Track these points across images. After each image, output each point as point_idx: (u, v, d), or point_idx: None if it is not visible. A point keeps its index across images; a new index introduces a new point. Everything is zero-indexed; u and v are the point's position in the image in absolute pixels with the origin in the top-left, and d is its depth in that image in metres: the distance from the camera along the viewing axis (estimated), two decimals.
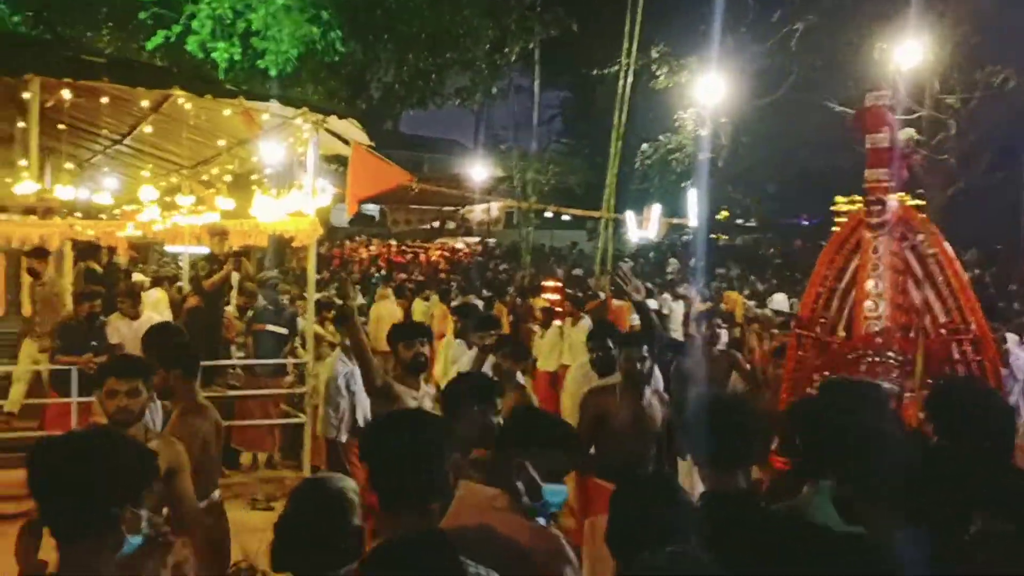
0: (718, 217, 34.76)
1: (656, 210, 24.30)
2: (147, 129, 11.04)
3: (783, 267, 29.78)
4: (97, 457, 2.33)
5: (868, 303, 5.28)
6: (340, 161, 13.64)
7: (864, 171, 5.54)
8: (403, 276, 25.71)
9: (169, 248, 23.47)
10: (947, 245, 5.36)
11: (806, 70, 23.15)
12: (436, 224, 42.10)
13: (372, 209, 41.35)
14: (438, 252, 35.18)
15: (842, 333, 5.59)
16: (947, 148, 21.03)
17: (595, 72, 25.13)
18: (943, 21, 19.39)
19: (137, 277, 17.06)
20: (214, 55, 13.26)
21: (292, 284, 15.92)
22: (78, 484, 2.29)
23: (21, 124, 10.17)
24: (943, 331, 5.19)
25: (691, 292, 21.68)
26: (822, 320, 5.68)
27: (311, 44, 14.31)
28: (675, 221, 25.55)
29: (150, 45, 13.31)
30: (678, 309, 19.69)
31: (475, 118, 39.89)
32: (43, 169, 12.52)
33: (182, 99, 9.18)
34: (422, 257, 34.57)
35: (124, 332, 8.79)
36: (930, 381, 4.83)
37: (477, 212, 37.77)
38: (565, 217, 34.55)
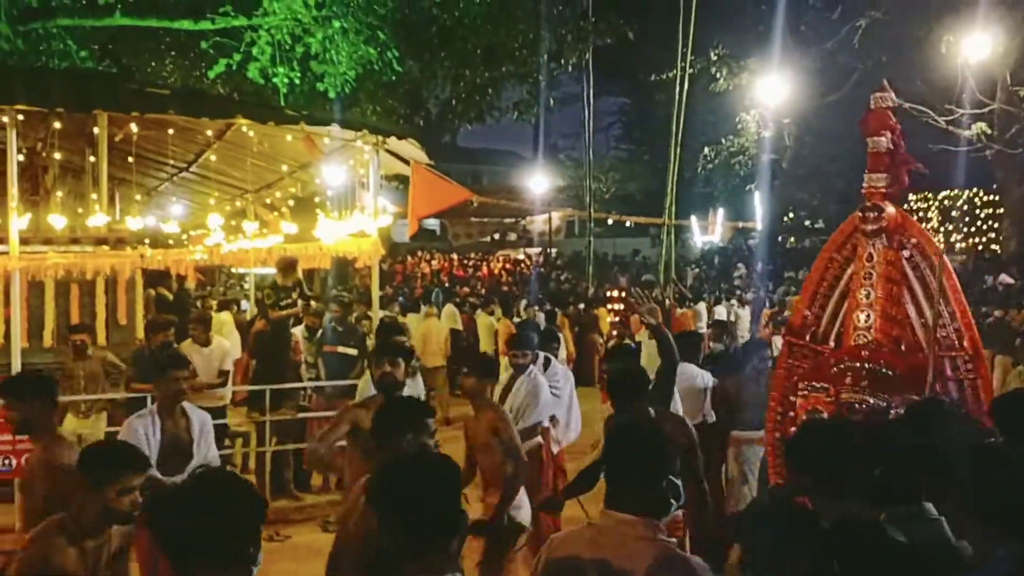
0: (784, 219, 34.17)
1: (720, 214, 24.01)
2: (212, 157, 11.22)
3: None
4: (223, 505, 2.31)
5: (859, 313, 5.04)
6: (400, 179, 13.73)
7: (907, 177, 5.37)
8: (465, 290, 25.78)
9: (237, 270, 23.99)
10: (945, 256, 5.08)
11: (871, 66, 22.61)
12: (497, 236, 42.16)
13: (433, 223, 41.61)
14: (500, 264, 35.22)
15: (831, 344, 5.35)
16: (1021, 142, 20.34)
17: (652, 77, 24.93)
18: (1013, 13, 18.76)
19: (204, 302, 17.40)
20: (274, 80, 13.47)
21: (356, 302, 16.05)
22: (209, 533, 2.27)
23: (92, 158, 10.40)
24: (937, 346, 4.84)
25: (758, 298, 21.34)
26: (813, 328, 5.45)
27: (368, 65, 14.45)
28: (740, 225, 25.20)
29: (212, 73, 13.58)
30: (745, 315, 19.37)
31: (532, 128, 39.90)
32: (113, 200, 12.85)
33: (245, 126, 9.31)
34: (484, 270, 34.64)
35: (196, 359, 8.88)
36: (915, 398, 4.48)
37: (538, 223, 37.71)
38: (627, 224, 34.30)
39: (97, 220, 9.32)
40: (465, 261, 37.03)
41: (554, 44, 20.75)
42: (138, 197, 14.56)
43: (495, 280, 31.18)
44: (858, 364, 4.76)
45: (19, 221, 8.48)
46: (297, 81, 13.77)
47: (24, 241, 8.73)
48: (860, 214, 5.08)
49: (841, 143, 26.32)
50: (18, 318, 8.56)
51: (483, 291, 25.64)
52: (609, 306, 17.71)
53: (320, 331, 9.99)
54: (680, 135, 21.48)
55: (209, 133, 10.22)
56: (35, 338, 9.36)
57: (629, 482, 2.80)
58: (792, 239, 36.72)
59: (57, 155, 10.94)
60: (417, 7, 16.72)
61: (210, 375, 8.55)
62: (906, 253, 5.10)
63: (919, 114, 18.39)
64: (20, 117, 8.45)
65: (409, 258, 36.15)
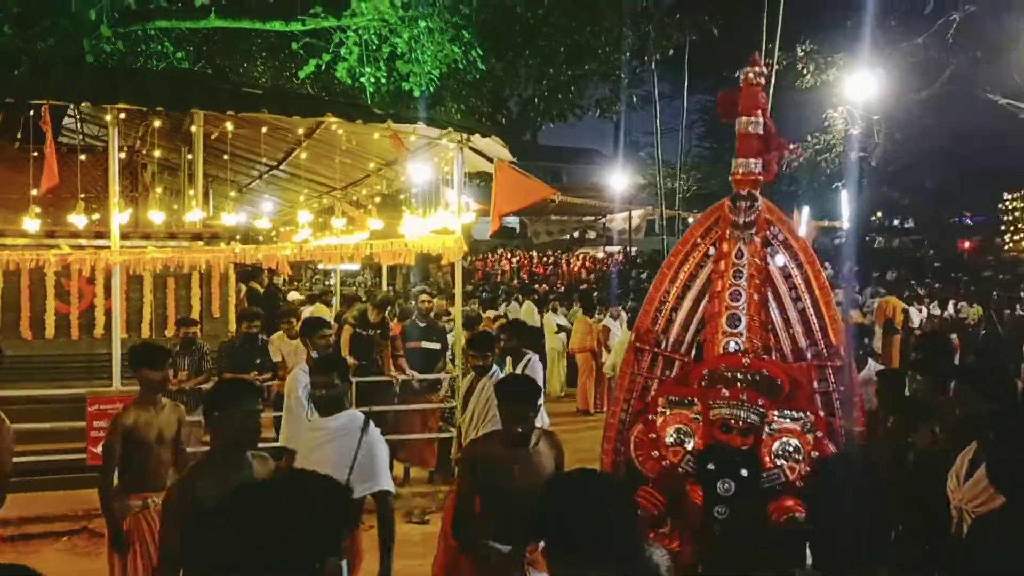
0: (872, 219, 33.30)
1: (805, 213, 23.42)
2: (302, 155, 11.50)
3: (945, 269, 28.21)
4: (299, 507, 2.16)
5: (726, 316, 4.33)
6: (482, 176, 13.85)
7: None
8: (544, 287, 25.82)
9: (322, 266, 24.52)
10: (815, 257, 4.47)
11: (964, 62, 21.89)
12: (576, 234, 42.09)
13: (513, 221, 41.76)
14: (580, 262, 35.15)
15: (688, 352, 4.64)
16: None
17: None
18: None
19: (293, 296, 17.87)
20: (362, 80, 13.70)
21: (438, 297, 16.29)
22: (279, 539, 2.10)
23: (188, 156, 10.76)
24: (807, 355, 4.32)
25: (846, 298, 20.84)
26: (663, 334, 4.66)
27: (452, 64, 14.60)
28: (826, 224, 24.64)
29: (302, 74, 13.88)
30: None
31: (614, 126, 39.70)
32: (207, 196, 13.29)
33: (334, 125, 9.52)
34: (564, 267, 34.63)
35: (286, 350, 9.14)
36: (794, 413, 4.01)
37: (618, 221, 37.49)
38: None
39: (193, 216, 9.64)
40: (544, 258, 37.08)
41: (638, 42, 20.61)
42: (232, 194, 15.00)
43: (575, 277, 31.15)
44: (738, 375, 4.08)
45: (120, 217, 8.84)
46: (383, 80, 13.99)
47: (124, 236, 9.10)
48: (730, 204, 4.44)
49: (933, 140, 25.56)
50: (118, 310, 8.94)
51: (562, 288, 25.65)
52: None
53: (402, 328, 10.15)
54: None
55: (300, 131, 10.49)
56: (134, 329, 9.75)
57: None
58: (880, 239, 35.76)
59: (156, 153, 11.34)
60: (501, 6, 16.81)
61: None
62: (772, 250, 4.50)
63: (1015, 110, 17.72)
64: (122, 116, 8.81)
65: (489, 255, 36.38)
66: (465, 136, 9.56)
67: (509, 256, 37.25)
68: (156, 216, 10.04)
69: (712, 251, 4.55)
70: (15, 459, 5.27)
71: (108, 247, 8.81)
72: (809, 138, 25.54)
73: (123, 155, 9.81)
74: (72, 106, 11.42)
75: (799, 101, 25.41)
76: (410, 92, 14.27)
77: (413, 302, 15.71)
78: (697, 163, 37.00)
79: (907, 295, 20.71)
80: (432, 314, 10.42)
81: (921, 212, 34.91)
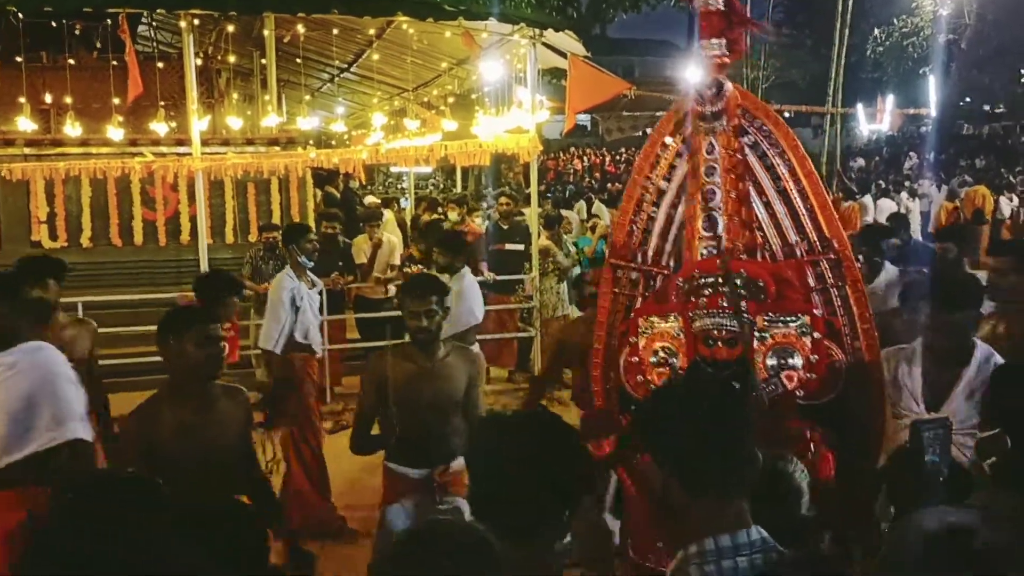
0: (960, 104, 31.84)
1: (890, 101, 22.45)
2: (374, 56, 11.43)
3: None
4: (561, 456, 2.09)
5: (701, 219, 3.92)
6: (554, 73, 13.57)
7: None
8: (617, 186, 25.54)
9: (394, 169, 24.60)
10: (798, 141, 4.03)
11: None
12: (650, 130, 41.29)
13: (584, 119, 41.07)
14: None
15: (669, 265, 4.20)
16: None
17: None
18: None
19: (369, 199, 18.02)
20: None
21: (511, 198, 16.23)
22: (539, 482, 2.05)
23: (262, 61, 10.78)
24: (798, 252, 3.92)
25: (931, 189, 20.16)
26: (642, 247, 4.22)
27: None
28: (912, 112, 23.57)
29: None
30: (916, 208, 18.38)
31: (688, 15, 38.36)
32: (280, 101, 13.36)
33: (405, 24, 9.40)
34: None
35: (368, 253, 9.25)
36: (783, 318, 3.64)
37: None
38: (787, 114, 32.84)
39: (269, 121, 9.72)
40: (617, 157, 36.55)
41: None
42: (306, 98, 15.04)
43: None
44: (712, 279, 3.69)
45: (199, 124, 8.95)
46: None
47: (204, 143, 9.23)
48: (696, 94, 3.94)
49: None
50: (202, 216, 9.13)
51: None
52: None
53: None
54: (848, 16, 20.16)
55: (371, 32, 10.40)
56: (218, 235, 9.98)
57: None
58: (969, 126, 34.25)
59: (231, 59, 11.39)
60: None
61: (381, 269, 8.90)
62: (749, 139, 4.02)
63: None
64: (195, 22, 8.83)
65: (561, 154, 36.01)
66: (538, 32, 9.35)
67: (581, 155, 36.82)
68: (233, 122, 10.14)
69: (685, 150, 4.10)
70: (109, 360, 5.50)
71: (189, 154, 8.96)
72: (895, 21, 24.33)
73: (198, 62, 9.88)
74: (146, 13, 11.48)
75: None
76: None
77: (485, 204, 15.74)
78: (776, 51, 35.60)
79: (997, 183, 19.91)
80: (513, 216, 10.40)
81: (1013, 97, 33.20)
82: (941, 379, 3.83)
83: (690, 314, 3.68)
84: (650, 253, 4.20)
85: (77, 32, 10.60)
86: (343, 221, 9.92)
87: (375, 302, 8.99)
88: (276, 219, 10.08)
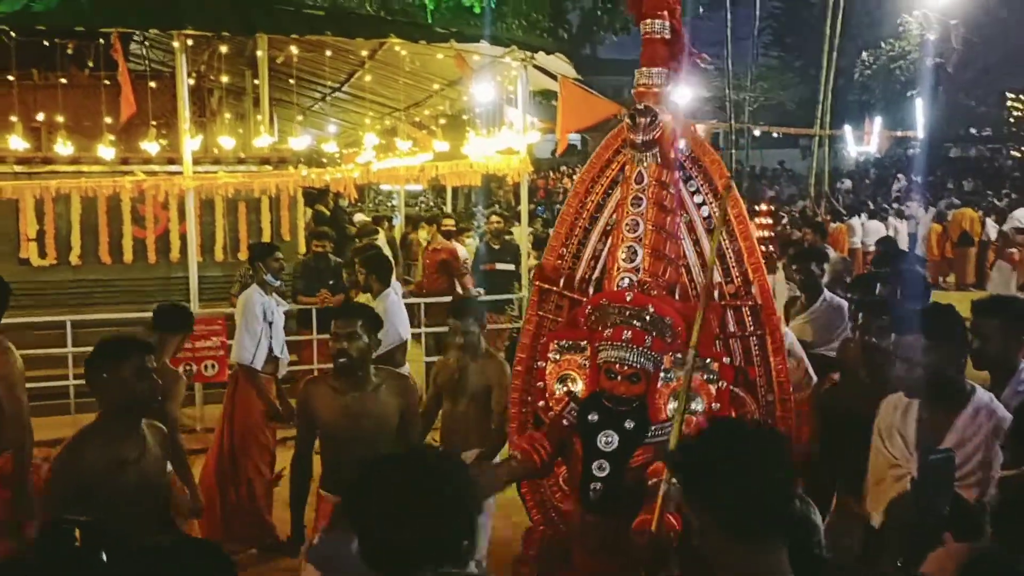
0: (948, 127, 32.12)
1: (878, 123, 22.73)
2: (367, 78, 11.48)
3: None
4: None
5: (623, 249, 3.77)
6: (544, 94, 13.67)
7: None
8: None
9: (384, 187, 24.64)
10: (731, 180, 3.89)
11: None
12: None
13: (574, 138, 41.23)
14: None
15: (590, 292, 4.08)
16: None
17: None
18: None
19: (359, 217, 18.05)
20: None
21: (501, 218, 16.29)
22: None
23: (255, 80, 10.83)
24: (717, 294, 3.76)
25: (918, 210, 20.32)
26: (569, 271, 4.11)
27: None
28: (899, 134, 23.84)
29: None
30: (903, 229, 18.53)
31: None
32: (272, 120, 13.38)
33: (397, 46, 9.46)
34: None
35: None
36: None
37: None
38: (775, 135, 33.06)
39: (262, 141, 9.74)
40: None
41: None
42: (300, 118, 15.08)
43: None
44: (618, 311, 3.54)
45: (191, 142, 8.97)
46: None
47: (195, 161, 9.24)
48: (628, 121, 3.82)
49: (1014, 43, 24.42)
50: (193, 234, 9.14)
51: None
52: (757, 220, 17.26)
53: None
54: (836, 39, 20.36)
55: (363, 53, 10.46)
56: (208, 253, 9.96)
57: None
58: (956, 148, 34.55)
59: (224, 78, 11.41)
60: None
61: None
62: (684, 174, 3.89)
63: None
64: (189, 42, 8.87)
65: (551, 173, 36.12)
66: (529, 54, 9.42)
67: (571, 174, 36.95)
68: (225, 141, 10.16)
69: (621, 175, 4.00)
70: None
71: (180, 173, 8.97)
72: (883, 44, 24.61)
73: (191, 81, 9.90)
74: (138, 32, 11.52)
75: (872, 6, 24.42)
76: (470, 8, 14.06)
77: (476, 222, 15.79)
78: (764, 74, 35.88)
79: (984, 205, 20.08)
80: (504, 235, 10.44)
81: (999, 119, 33.53)
82: (933, 424, 3.50)
83: (596, 344, 3.57)
84: (576, 278, 4.11)
85: (69, 51, 10.61)
86: (333, 239, 9.93)
87: None
88: (266, 237, 10.06)
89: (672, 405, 3.44)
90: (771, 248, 12.52)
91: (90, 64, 10.99)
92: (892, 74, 24.95)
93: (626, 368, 3.43)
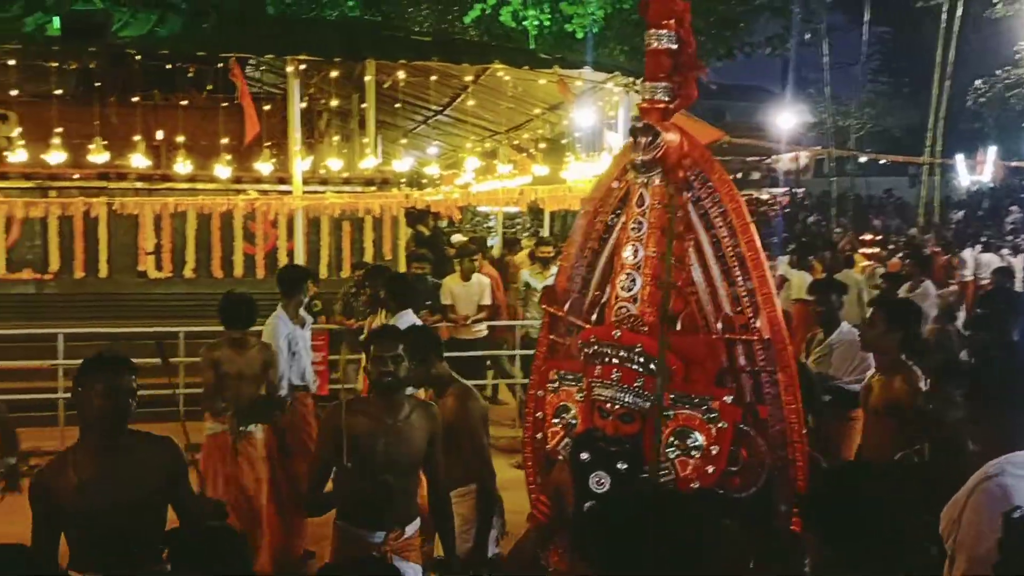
0: None
1: (992, 152, 21.88)
2: (470, 102, 11.69)
3: None
4: None
5: (623, 277, 3.55)
6: None
7: None
8: None
9: (482, 208, 24.93)
10: (742, 201, 3.63)
11: None
12: (739, 175, 40.93)
13: None
14: None
15: (594, 318, 3.83)
16: None
17: (919, 3, 23.04)
18: None
19: (456, 238, 18.31)
20: (525, 23, 13.74)
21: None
22: None
23: (363, 104, 11.15)
24: (726, 326, 3.48)
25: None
26: (578, 296, 3.89)
27: (617, 3, 14.40)
28: (1015, 164, 22.90)
29: (468, 18, 14.06)
30: (1018, 264, 17.77)
31: (782, 62, 38.10)
32: (377, 142, 13.75)
33: (501, 71, 9.63)
34: None
35: (457, 292, 9.37)
36: (687, 397, 3.30)
37: (784, 161, 36.15)
38: (882, 162, 32.17)
39: (367, 163, 10.02)
40: None
41: None
42: (403, 140, 15.43)
43: None
44: (609, 348, 3.36)
45: (301, 163, 9.29)
46: (547, 23, 13.99)
47: (304, 181, 9.57)
48: (631, 140, 3.61)
49: None
50: (300, 252, 9.45)
51: None
52: (863, 250, 16.83)
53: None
54: (948, 66, 19.75)
55: (467, 78, 10.66)
56: (312, 268, 10.27)
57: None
58: None
59: (333, 102, 11.79)
60: None
61: (470, 308, 9.01)
62: (693, 195, 3.62)
63: None
64: (302, 67, 9.21)
65: None
66: (631, 80, 9.46)
67: None
68: (333, 163, 10.50)
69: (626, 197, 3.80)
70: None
71: (290, 192, 9.30)
72: (998, 72, 23.72)
73: (302, 104, 10.26)
74: (253, 57, 12.02)
75: (987, 33, 23.60)
76: (573, 34, 14.18)
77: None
78: (872, 99, 35.00)
79: None
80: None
81: None
82: None
83: (589, 380, 3.39)
84: (586, 302, 3.88)
85: (190, 74, 11.13)
86: (432, 261, 10.11)
87: (466, 342, 9.09)
88: (368, 257, 10.33)
89: (670, 447, 3.26)
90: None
91: (209, 87, 11.49)
92: (1007, 102, 23.99)
93: (618, 407, 3.27)
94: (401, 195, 9.82)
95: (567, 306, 3.83)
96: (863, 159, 30.70)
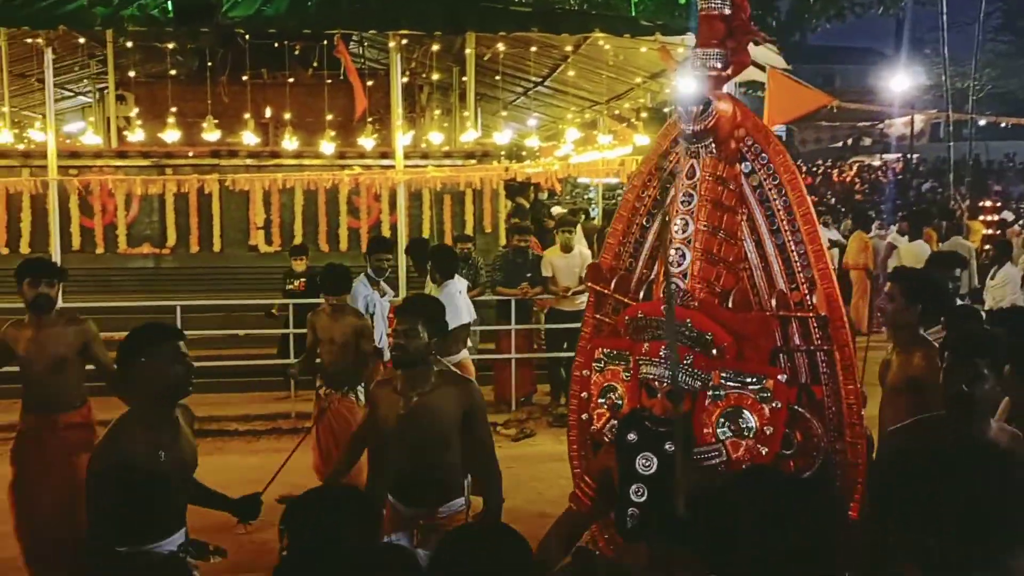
0: None
1: None
2: (570, 72, 11.61)
3: None
4: None
5: (672, 252, 3.34)
6: (749, 85, 13.29)
7: None
8: (813, 199, 24.59)
9: (582, 180, 24.81)
10: (798, 176, 3.42)
11: None
12: (850, 141, 39.52)
13: (779, 130, 39.90)
14: (853, 172, 33.07)
15: (641, 295, 3.64)
16: None
17: None
18: None
19: (556, 210, 18.29)
20: None
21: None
22: None
23: (463, 78, 11.21)
24: (780, 302, 3.28)
25: None
26: (625, 272, 3.67)
27: None
28: None
29: None
30: None
31: (894, 21, 36.52)
32: (477, 115, 13.80)
33: (601, 40, 9.51)
34: (834, 177, 32.75)
35: (558, 264, 9.38)
36: (745, 376, 3.10)
37: (897, 125, 34.73)
38: (1003, 125, 30.57)
39: (468, 136, 10.08)
40: (813, 168, 35.26)
41: None
42: (503, 113, 15.45)
43: (847, 189, 29.40)
44: (657, 324, 3.19)
45: (403, 138, 9.41)
46: None
47: (405, 156, 9.70)
48: (682, 111, 3.39)
49: None
50: (402, 225, 9.59)
51: (832, 201, 24.35)
52: (983, 218, 16.08)
53: None
54: None
55: (567, 48, 10.58)
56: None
57: None
58: None
59: (435, 76, 11.88)
60: None
61: (571, 280, 8.99)
62: (746, 167, 3.43)
63: None
64: (403, 42, 9.30)
65: None
66: None
67: None
68: (434, 137, 10.60)
69: (678, 170, 3.62)
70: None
71: (392, 167, 9.43)
72: None
73: (404, 79, 10.38)
74: (356, 33, 12.19)
75: None
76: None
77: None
78: (992, 60, 33.26)
79: None
80: None
81: None
82: None
83: (637, 358, 3.24)
84: (634, 280, 3.73)
85: (296, 51, 11.38)
86: (533, 233, 10.12)
87: (567, 314, 9.10)
88: (469, 229, 10.42)
89: (721, 427, 3.12)
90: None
91: (314, 64, 11.73)
92: None
93: (666, 386, 3.10)
94: (501, 168, 9.84)
95: (613, 283, 3.70)
96: (983, 122, 29.26)
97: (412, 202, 10.24)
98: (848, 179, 31.95)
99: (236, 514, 3.59)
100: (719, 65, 3.38)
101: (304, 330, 6.46)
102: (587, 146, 14.68)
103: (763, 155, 3.43)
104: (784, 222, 3.36)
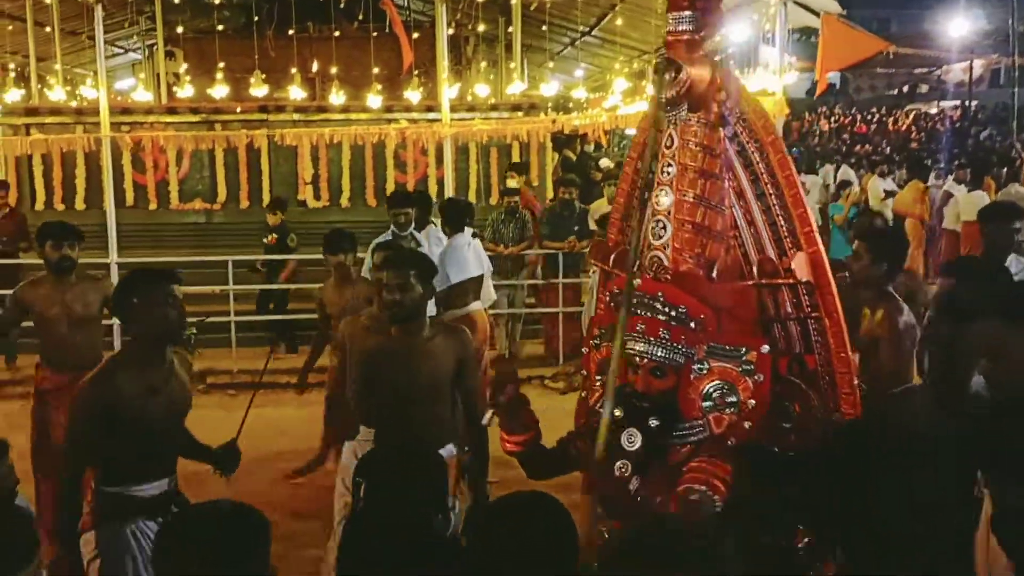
0: None
1: None
2: (617, 21, 11.41)
3: None
4: None
5: (654, 224, 3.23)
6: (803, 31, 12.99)
7: None
8: (867, 148, 24.06)
9: (629, 131, 24.54)
10: (778, 137, 3.23)
11: None
12: (906, 88, 38.46)
13: (833, 76, 38.89)
14: (909, 120, 32.22)
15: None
16: None
17: None
18: None
19: (604, 162, 18.13)
20: None
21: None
22: None
23: (509, 29, 11.08)
24: (756, 270, 3.15)
25: None
26: (624, 248, 3.50)
27: None
28: None
29: None
30: None
31: None
32: (522, 66, 13.67)
33: None
34: (890, 126, 31.94)
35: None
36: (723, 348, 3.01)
37: (956, 72, 33.69)
38: None
39: (514, 88, 9.99)
40: (868, 117, 34.40)
41: None
42: (549, 64, 15.28)
43: (903, 138, 28.68)
44: (636, 298, 3.11)
45: (449, 91, 9.33)
46: None
47: (452, 109, 9.63)
48: (653, 73, 3.24)
49: None
50: (449, 179, 9.56)
51: (888, 150, 23.77)
52: None
53: None
54: None
55: None
56: (461, 195, 10.41)
57: None
58: None
59: (480, 27, 11.77)
60: None
61: None
62: (728, 131, 3.25)
63: None
64: None
65: (805, 114, 34.37)
66: None
67: (828, 115, 34.98)
68: (480, 89, 10.52)
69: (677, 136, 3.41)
70: None
71: (439, 120, 9.38)
72: None
73: (450, 31, 10.28)
74: None
75: None
76: None
77: None
78: None
79: None
80: None
81: None
82: None
83: (626, 331, 3.12)
84: (627, 254, 3.46)
85: (341, 4, 11.34)
86: (579, 186, 10.04)
87: None
88: (516, 183, 10.37)
89: (706, 401, 3.03)
90: None
91: (360, 17, 11.68)
92: None
93: (646, 361, 3.03)
94: (548, 120, 9.75)
95: (612, 259, 3.54)
96: None
97: (458, 155, 10.20)
98: (904, 128, 31.12)
99: (217, 465, 3.62)
100: (690, 28, 3.22)
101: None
102: (635, 97, 14.45)
103: (744, 117, 3.27)
104: (768, 185, 3.24)
